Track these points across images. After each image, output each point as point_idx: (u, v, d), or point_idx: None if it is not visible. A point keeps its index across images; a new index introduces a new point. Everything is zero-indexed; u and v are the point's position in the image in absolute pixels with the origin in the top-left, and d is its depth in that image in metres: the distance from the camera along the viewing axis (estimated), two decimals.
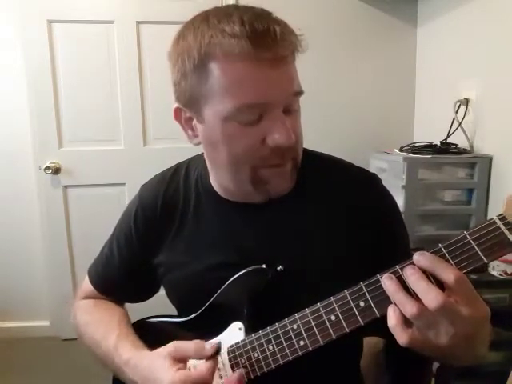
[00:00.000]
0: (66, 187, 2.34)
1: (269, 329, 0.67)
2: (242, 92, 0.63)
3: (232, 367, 0.70)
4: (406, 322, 0.54)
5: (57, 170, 2.29)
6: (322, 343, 0.62)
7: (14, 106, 2.28)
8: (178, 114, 0.73)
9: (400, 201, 1.69)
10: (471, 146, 1.82)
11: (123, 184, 2.35)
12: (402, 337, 0.54)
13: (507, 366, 1.09)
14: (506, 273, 1.39)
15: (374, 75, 2.37)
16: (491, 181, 1.71)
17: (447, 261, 0.54)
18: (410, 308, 0.53)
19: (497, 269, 1.39)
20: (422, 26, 2.31)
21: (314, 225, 0.77)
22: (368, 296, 0.59)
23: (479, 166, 1.70)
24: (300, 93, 0.68)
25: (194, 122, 0.71)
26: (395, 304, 0.55)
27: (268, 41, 0.61)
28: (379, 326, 0.58)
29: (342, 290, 0.61)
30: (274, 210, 0.75)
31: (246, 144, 0.67)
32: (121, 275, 0.87)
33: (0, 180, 2.35)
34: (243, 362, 0.69)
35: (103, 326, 0.83)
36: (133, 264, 0.86)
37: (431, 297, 0.51)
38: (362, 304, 0.59)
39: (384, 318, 0.56)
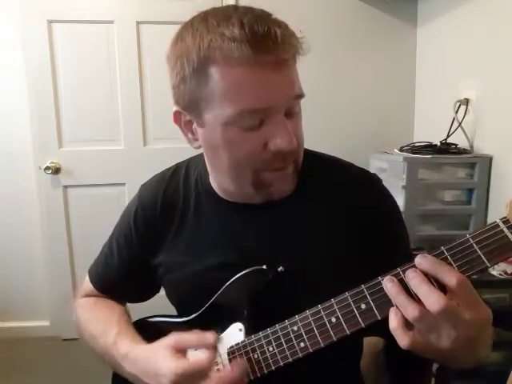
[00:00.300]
0: (66, 187, 2.34)
1: (269, 330, 0.67)
2: (242, 97, 0.62)
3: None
4: (408, 324, 0.54)
5: (57, 170, 2.29)
6: (322, 345, 0.62)
7: (14, 105, 2.28)
8: (177, 117, 0.72)
9: (400, 201, 1.69)
10: (471, 146, 1.82)
11: (123, 184, 2.35)
12: (403, 339, 0.54)
13: (507, 365, 1.09)
14: (506, 273, 1.39)
15: (374, 75, 2.37)
16: (491, 181, 1.71)
17: (449, 264, 0.54)
18: (411, 311, 0.52)
19: (497, 269, 1.39)
20: (422, 26, 2.30)
21: (314, 225, 0.76)
22: (369, 298, 0.59)
23: (479, 165, 1.70)
24: (301, 96, 0.68)
25: (194, 125, 0.71)
26: (397, 307, 0.55)
27: (269, 44, 0.60)
28: (379, 326, 0.58)
29: (343, 291, 0.61)
30: (274, 210, 0.75)
31: (247, 149, 0.66)
32: (120, 275, 0.87)
33: (0, 180, 2.35)
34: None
35: (103, 323, 0.83)
36: (132, 264, 0.86)
37: (433, 300, 0.51)
38: (363, 306, 0.59)
39: (385, 319, 0.56)
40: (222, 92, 0.63)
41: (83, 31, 2.22)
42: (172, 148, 2.18)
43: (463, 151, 1.77)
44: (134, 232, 0.85)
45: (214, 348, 0.67)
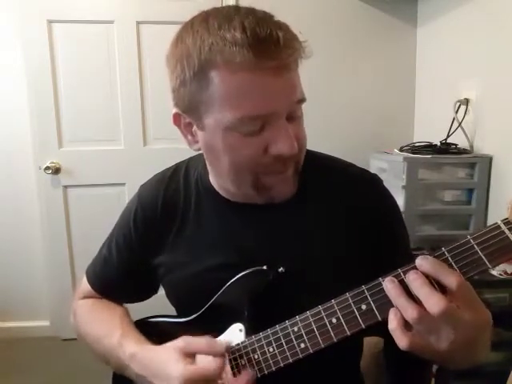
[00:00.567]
0: (66, 187, 2.35)
1: (269, 331, 0.67)
2: (243, 104, 0.62)
3: (232, 368, 0.70)
4: (407, 325, 0.54)
5: (57, 170, 2.29)
6: (322, 346, 0.62)
7: (14, 105, 2.28)
8: (177, 119, 0.72)
9: (400, 201, 1.69)
10: (471, 146, 1.82)
11: (123, 184, 2.35)
12: (402, 340, 0.54)
13: (507, 365, 1.09)
14: (506, 273, 1.39)
15: (374, 75, 2.36)
16: (491, 181, 1.71)
17: (450, 265, 0.54)
18: (411, 312, 0.53)
19: (497, 269, 1.39)
20: (422, 26, 2.30)
21: (315, 225, 0.76)
22: (370, 299, 0.59)
23: (479, 165, 1.70)
24: (303, 100, 0.67)
25: (194, 128, 0.70)
26: (397, 308, 0.55)
27: (271, 48, 0.59)
28: (379, 326, 0.58)
29: (343, 291, 0.61)
30: (275, 210, 0.75)
31: (247, 153, 0.66)
32: (119, 275, 0.87)
33: (0, 180, 2.35)
34: (243, 363, 0.69)
35: (105, 325, 0.82)
36: (132, 264, 0.86)
37: (433, 302, 0.51)
38: (363, 307, 0.59)
39: (385, 320, 0.56)
40: (223, 97, 0.62)
41: (83, 31, 2.22)
42: (172, 148, 2.17)
43: (463, 151, 1.77)
44: (134, 232, 0.84)
45: (223, 356, 0.66)
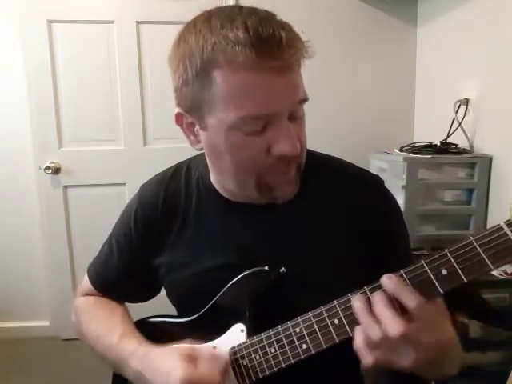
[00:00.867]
0: (66, 187, 2.34)
1: (271, 331, 0.67)
2: (245, 103, 0.62)
3: (233, 369, 0.70)
4: (372, 343, 0.56)
5: (57, 170, 2.29)
6: (324, 347, 0.63)
7: (14, 106, 2.28)
8: (179, 119, 0.72)
9: (400, 201, 1.69)
10: (471, 146, 1.82)
11: (123, 184, 2.35)
12: (366, 358, 0.56)
13: (507, 365, 1.09)
14: (506, 273, 1.39)
15: (374, 75, 2.36)
16: (491, 181, 1.71)
17: (452, 266, 0.54)
18: (373, 333, 0.55)
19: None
20: (422, 26, 2.30)
21: (315, 226, 0.76)
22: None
23: (479, 166, 1.70)
24: (305, 100, 0.67)
25: (197, 127, 0.70)
26: (362, 326, 0.57)
27: (273, 48, 0.59)
28: None
29: (344, 291, 0.61)
30: (275, 210, 0.75)
31: (250, 153, 0.66)
32: (120, 274, 0.87)
33: (0, 180, 2.35)
34: (245, 364, 0.69)
35: (106, 323, 0.82)
36: (132, 263, 0.86)
37: (393, 326, 0.53)
38: None
39: None
40: (225, 97, 0.62)
41: (83, 31, 2.22)
42: (172, 148, 2.18)
43: (463, 151, 1.77)
44: (134, 231, 0.84)
45: (224, 371, 0.66)
